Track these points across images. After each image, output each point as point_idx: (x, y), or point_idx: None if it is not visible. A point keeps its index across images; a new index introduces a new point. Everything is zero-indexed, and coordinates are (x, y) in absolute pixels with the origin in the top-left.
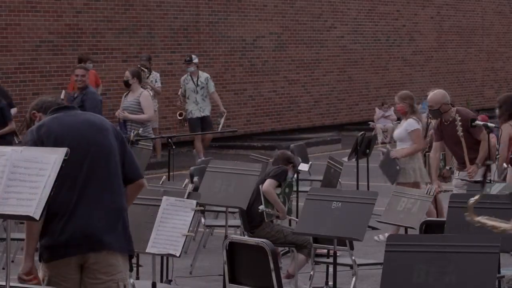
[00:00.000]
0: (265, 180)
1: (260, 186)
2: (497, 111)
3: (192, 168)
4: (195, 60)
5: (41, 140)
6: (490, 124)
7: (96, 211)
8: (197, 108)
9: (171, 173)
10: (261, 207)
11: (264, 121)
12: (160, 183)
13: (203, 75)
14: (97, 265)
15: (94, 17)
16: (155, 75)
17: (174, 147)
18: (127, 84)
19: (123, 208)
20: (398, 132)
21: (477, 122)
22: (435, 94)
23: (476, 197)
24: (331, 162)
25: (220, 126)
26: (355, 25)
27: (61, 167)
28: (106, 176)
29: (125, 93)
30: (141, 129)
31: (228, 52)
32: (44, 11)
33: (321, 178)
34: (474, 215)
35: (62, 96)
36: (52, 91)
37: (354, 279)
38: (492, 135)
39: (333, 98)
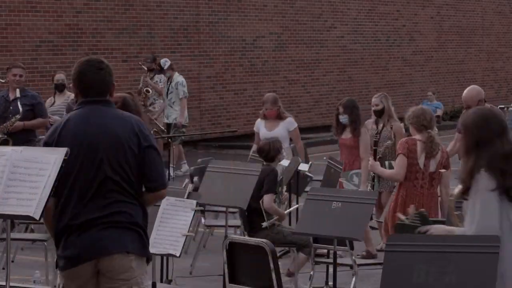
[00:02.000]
0: (259, 194)
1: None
2: (345, 118)
3: (192, 168)
4: (166, 66)
5: (58, 135)
6: None
7: (100, 219)
8: (164, 115)
9: (171, 173)
10: (265, 223)
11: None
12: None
13: (176, 79)
14: (113, 269)
15: (94, 17)
16: (160, 76)
17: (174, 147)
18: (62, 87)
19: (131, 216)
20: (278, 132)
21: None
22: (470, 91)
23: None
24: (331, 162)
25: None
26: (355, 25)
27: (61, 167)
28: (108, 184)
29: (49, 99)
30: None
31: (228, 52)
32: (44, 11)
33: (321, 178)
34: None
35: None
36: (52, 91)
37: (354, 279)
38: None
39: (333, 98)
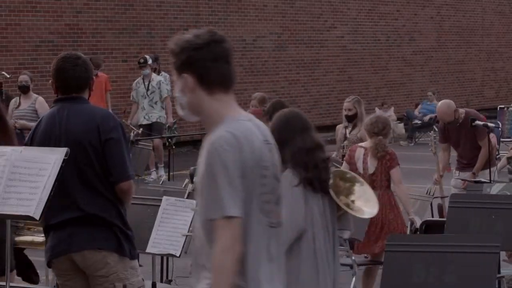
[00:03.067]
0: None
1: None
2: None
3: (192, 168)
4: (150, 61)
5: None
6: (490, 124)
7: (74, 220)
8: (143, 115)
9: (171, 173)
10: None
11: (264, 121)
12: (160, 183)
13: (157, 78)
14: (87, 266)
15: (94, 17)
16: (165, 76)
17: (174, 147)
18: (26, 89)
19: (102, 213)
20: None
21: (477, 122)
22: (441, 108)
23: None
24: (331, 162)
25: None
26: (355, 25)
27: (61, 167)
28: (77, 182)
29: (14, 100)
30: (141, 129)
31: None
32: (44, 11)
33: None
34: None
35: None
36: (52, 91)
37: (354, 279)
38: (492, 135)
39: (333, 98)
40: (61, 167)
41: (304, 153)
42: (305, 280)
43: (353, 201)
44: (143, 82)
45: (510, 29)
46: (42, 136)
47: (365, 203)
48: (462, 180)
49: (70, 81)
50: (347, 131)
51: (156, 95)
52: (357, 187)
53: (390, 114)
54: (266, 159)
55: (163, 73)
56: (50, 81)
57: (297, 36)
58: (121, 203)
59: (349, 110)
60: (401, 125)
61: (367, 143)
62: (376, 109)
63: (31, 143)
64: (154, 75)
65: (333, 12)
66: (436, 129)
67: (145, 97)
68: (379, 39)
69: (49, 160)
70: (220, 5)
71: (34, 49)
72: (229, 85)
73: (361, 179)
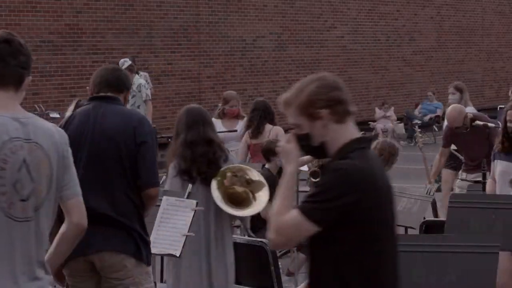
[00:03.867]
0: None
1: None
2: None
3: None
4: (125, 65)
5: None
6: (490, 124)
7: (95, 217)
8: None
9: None
10: None
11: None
12: (160, 183)
13: (138, 81)
14: (104, 267)
15: (94, 17)
16: (145, 76)
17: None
18: None
19: (123, 216)
20: (238, 131)
21: (477, 122)
22: (452, 113)
23: None
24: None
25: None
26: (355, 25)
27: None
28: (103, 181)
29: None
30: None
31: (228, 52)
32: (44, 11)
33: None
34: None
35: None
36: (52, 91)
37: None
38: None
39: None
40: None
41: (185, 146)
42: (174, 269)
43: (252, 192)
44: None
45: (510, 29)
46: (74, 131)
47: (266, 195)
48: (468, 181)
49: (111, 80)
50: None
51: (137, 99)
52: (253, 174)
53: (390, 114)
54: (7, 153)
55: (141, 73)
56: (86, 87)
57: (297, 36)
58: (143, 208)
59: None
60: (401, 125)
61: None
62: (376, 109)
63: None
64: (136, 77)
65: (333, 12)
66: (436, 129)
67: (128, 101)
68: (379, 39)
69: None
70: (220, 5)
71: (34, 49)
72: (2, 82)
73: (251, 169)
